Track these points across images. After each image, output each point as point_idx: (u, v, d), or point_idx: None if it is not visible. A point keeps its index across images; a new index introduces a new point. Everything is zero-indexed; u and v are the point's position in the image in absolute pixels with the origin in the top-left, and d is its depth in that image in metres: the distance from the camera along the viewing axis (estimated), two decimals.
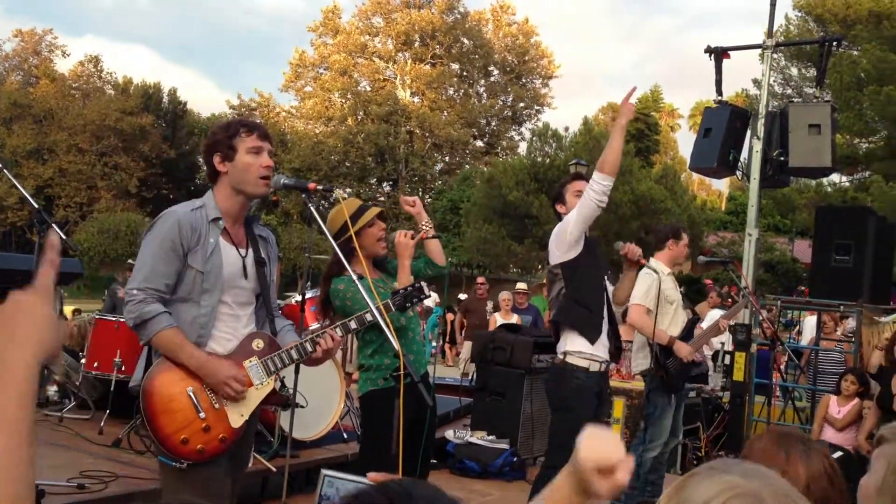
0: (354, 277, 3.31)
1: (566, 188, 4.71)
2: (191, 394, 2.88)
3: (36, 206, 4.54)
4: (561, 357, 4.55)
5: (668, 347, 5.60)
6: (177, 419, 2.85)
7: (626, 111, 4.40)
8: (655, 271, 5.52)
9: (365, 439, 4.06)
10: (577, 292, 4.51)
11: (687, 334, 5.79)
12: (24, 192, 4.74)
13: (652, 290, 5.56)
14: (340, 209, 3.92)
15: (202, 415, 2.87)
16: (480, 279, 14.28)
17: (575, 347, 4.50)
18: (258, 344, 3.03)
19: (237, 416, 2.93)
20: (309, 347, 3.08)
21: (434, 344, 19.99)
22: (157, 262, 2.92)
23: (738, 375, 7.64)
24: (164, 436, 2.85)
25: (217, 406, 2.90)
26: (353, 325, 3.30)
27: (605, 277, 4.75)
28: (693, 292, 21.25)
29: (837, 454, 5.92)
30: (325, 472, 1.19)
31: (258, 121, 42.52)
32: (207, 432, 2.87)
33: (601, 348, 4.56)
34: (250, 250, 3.14)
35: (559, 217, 4.69)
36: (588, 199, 4.29)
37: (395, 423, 3.45)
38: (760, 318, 7.60)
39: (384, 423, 3.68)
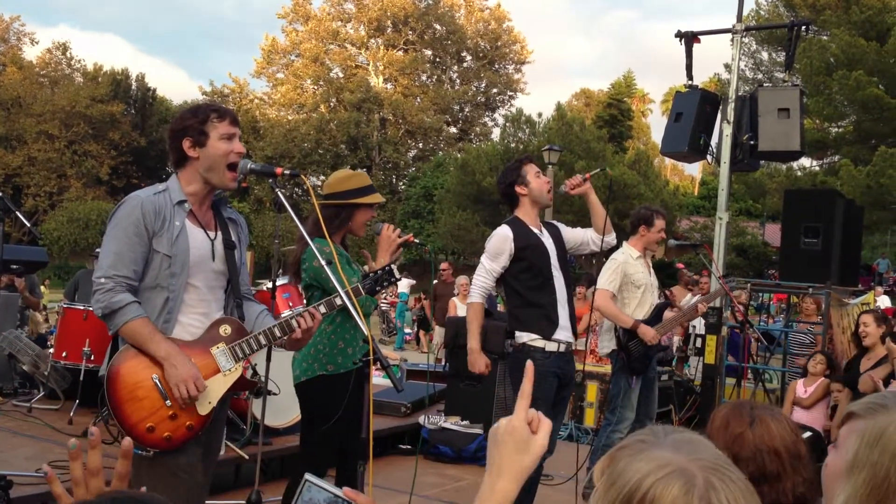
0: (333, 250, 3.32)
1: (523, 170, 4.63)
2: (156, 381, 2.83)
3: (0, 193, 4.48)
4: (518, 342, 4.56)
5: (632, 330, 5.65)
6: (143, 407, 2.81)
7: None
8: (621, 255, 5.77)
9: (309, 426, 3.87)
10: (519, 298, 4.57)
11: (655, 318, 5.84)
12: None
13: (616, 275, 5.66)
14: (354, 175, 3.96)
15: (168, 402, 2.82)
16: (444, 265, 14.42)
17: (532, 337, 4.51)
18: (225, 329, 2.96)
19: (205, 404, 2.88)
20: (277, 332, 2.99)
21: (409, 331, 19.98)
22: (123, 249, 2.85)
23: (710, 358, 7.70)
24: (130, 424, 2.80)
25: None
26: (323, 308, 3.14)
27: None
28: (666, 276, 21.39)
29: (807, 434, 6.00)
30: (307, 477, 1.24)
31: (231, 107, 42.10)
32: (174, 420, 2.83)
33: (562, 332, 4.52)
34: (219, 233, 3.09)
35: (511, 200, 4.68)
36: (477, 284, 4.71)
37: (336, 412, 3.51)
38: (731, 301, 7.66)
39: (328, 412, 3.65)
